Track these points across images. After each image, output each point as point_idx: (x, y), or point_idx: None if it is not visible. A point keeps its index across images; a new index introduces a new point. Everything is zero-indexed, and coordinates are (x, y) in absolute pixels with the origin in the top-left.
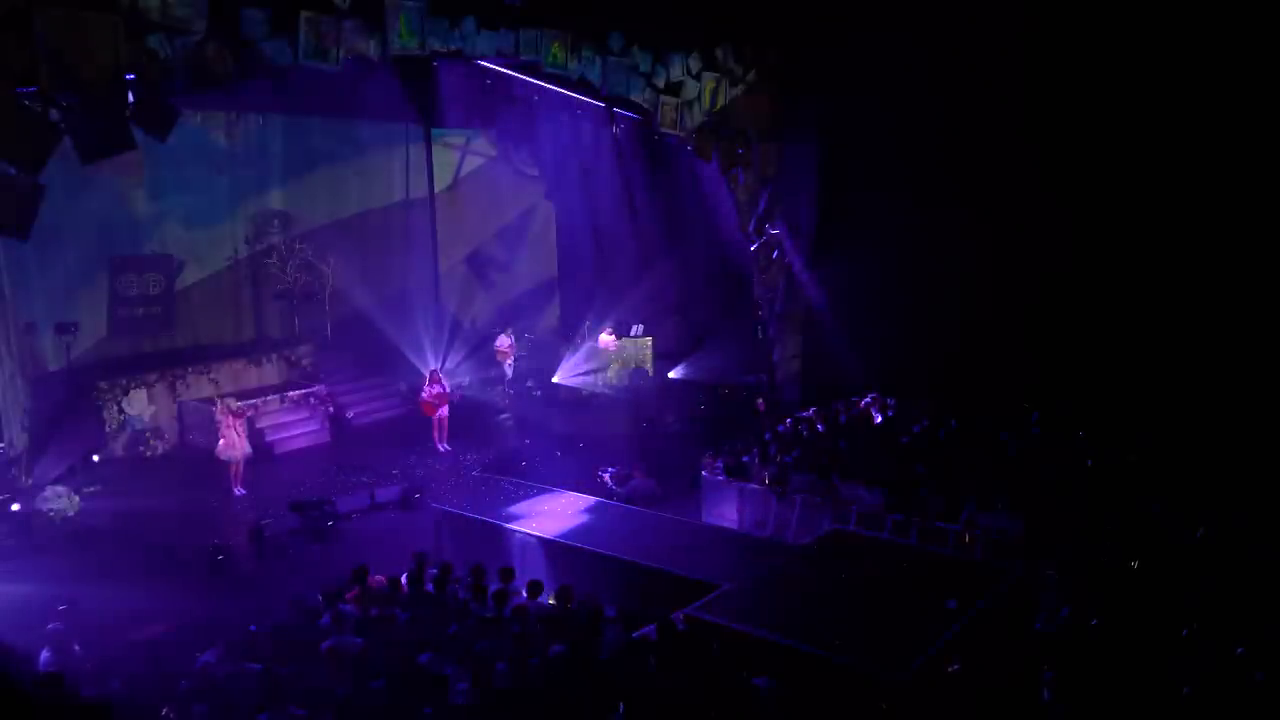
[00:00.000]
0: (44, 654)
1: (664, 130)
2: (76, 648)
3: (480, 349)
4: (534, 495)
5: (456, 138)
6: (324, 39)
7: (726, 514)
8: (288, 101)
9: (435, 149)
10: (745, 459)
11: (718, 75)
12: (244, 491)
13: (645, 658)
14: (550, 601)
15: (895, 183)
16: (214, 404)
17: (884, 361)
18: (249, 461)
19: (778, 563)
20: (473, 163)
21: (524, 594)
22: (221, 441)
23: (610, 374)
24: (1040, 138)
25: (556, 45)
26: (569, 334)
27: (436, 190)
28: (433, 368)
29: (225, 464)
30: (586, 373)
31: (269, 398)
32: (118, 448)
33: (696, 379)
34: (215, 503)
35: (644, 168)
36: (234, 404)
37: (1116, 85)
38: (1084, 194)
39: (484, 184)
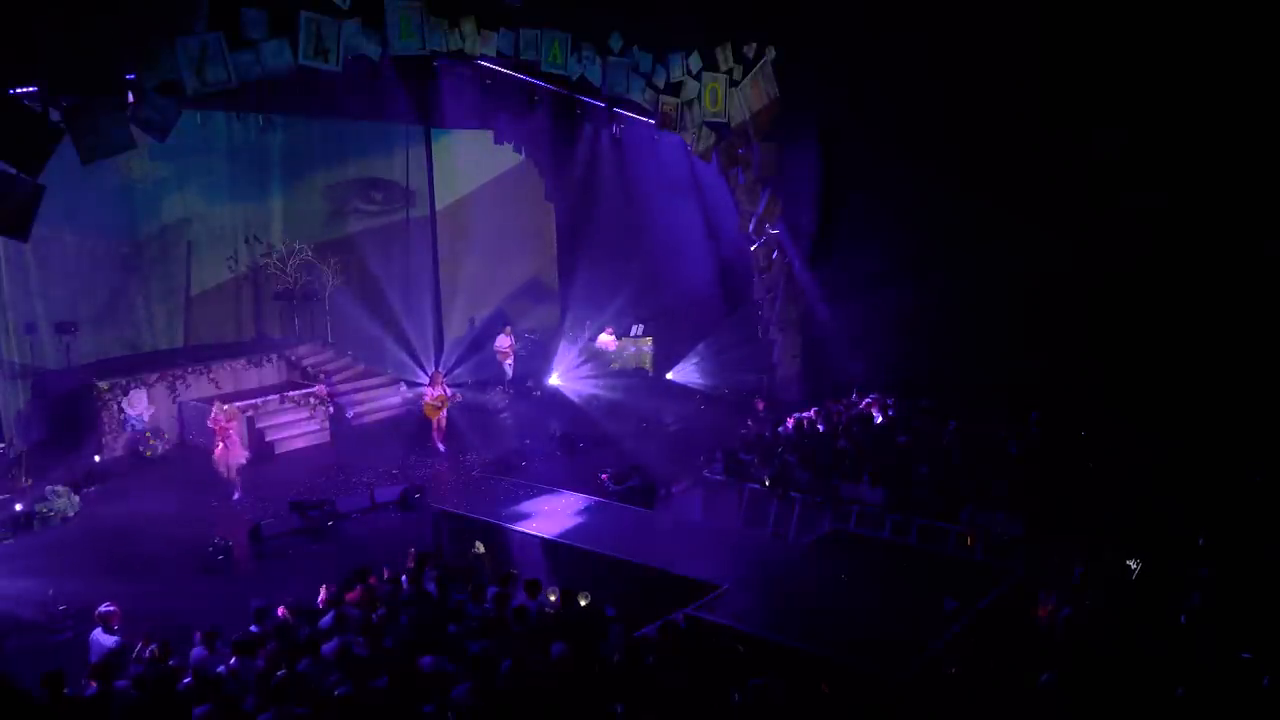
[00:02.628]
0: (94, 634)
1: (664, 130)
2: (116, 628)
3: (483, 350)
4: (534, 495)
5: None
6: (324, 39)
7: (726, 514)
8: (288, 102)
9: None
10: (745, 459)
11: (718, 75)
12: (241, 495)
13: (645, 658)
14: (552, 599)
15: (895, 183)
16: (212, 406)
17: (884, 361)
18: (249, 463)
19: (778, 563)
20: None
21: (523, 594)
22: (220, 447)
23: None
24: (1039, 139)
25: (556, 45)
26: (569, 334)
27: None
28: (433, 370)
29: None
30: (586, 373)
31: (269, 398)
32: (118, 448)
33: (696, 379)
34: (215, 503)
35: (643, 168)
36: (228, 409)
37: (1120, 89)
38: (1082, 193)
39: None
